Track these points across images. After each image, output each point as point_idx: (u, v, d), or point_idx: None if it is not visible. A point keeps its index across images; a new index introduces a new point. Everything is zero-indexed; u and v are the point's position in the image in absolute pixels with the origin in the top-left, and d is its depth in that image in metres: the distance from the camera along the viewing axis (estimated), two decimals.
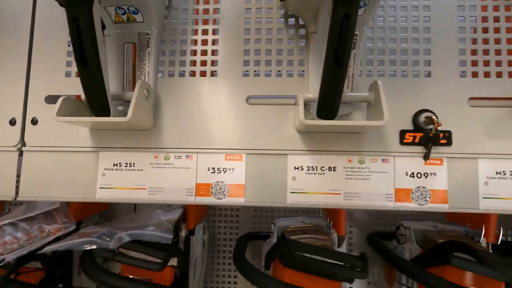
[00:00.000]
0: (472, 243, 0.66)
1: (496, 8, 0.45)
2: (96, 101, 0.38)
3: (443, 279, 0.57)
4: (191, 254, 0.71)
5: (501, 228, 0.65)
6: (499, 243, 0.65)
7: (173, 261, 0.63)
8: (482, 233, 0.65)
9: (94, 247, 0.53)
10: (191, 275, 0.70)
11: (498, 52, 0.44)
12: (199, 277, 0.77)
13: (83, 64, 0.36)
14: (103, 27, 0.43)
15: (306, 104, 0.43)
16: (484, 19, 0.45)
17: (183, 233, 0.70)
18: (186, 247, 0.70)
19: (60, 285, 0.66)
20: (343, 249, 0.59)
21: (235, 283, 0.84)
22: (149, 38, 0.46)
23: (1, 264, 0.55)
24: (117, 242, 0.53)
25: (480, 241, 0.65)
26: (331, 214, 0.65)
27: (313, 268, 0.53)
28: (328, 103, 0.39)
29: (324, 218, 0.73)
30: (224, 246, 0.84)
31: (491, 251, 0.64)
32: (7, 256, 0.55)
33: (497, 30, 0.44)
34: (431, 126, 0.43)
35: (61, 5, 0.34)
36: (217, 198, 0.45)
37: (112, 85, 0.46)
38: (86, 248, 0.53)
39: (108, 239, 0.56)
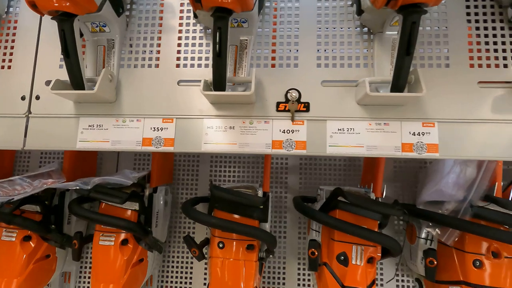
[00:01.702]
0: (361, 195, 0.87)
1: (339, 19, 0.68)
2: (74, 80, 0.61)
3: (331, 216, 0.77)
4: (153, 207, 0.92)
5: (385, 186, 0.86)
6: (383, 196, 0.86)
7: (135, 206, 0.85)
8: (371, 189, 0.86)
9: (78, 187, 0.76)
10: (153, 224, 0.92)
11: (341, 50, 0.67)
12: (162, 229, 0.97)
13: (67, 57, 0.59)
14: (82, 34, 0.67)
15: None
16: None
17: (147, 192, 0.92)
18: (150, 201, 0.92)
19: (53, 226, 0.88)
20: None
21: (193, 233, 1.04)
22: (114, 42, 0.69)
23: (11, 202, 0.77)
24: (92, 184, 0.76)
25: (370, 195, 0.86)
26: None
27: (226, 203, 0.75)
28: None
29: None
30: None
31: None
32: (15, 197, 0.77)
33: (341, 36, 0.67)
34: (295, 99, 0.65)
35: (53, 19, 0.57)
36: (156, 147, 0.67)
37: (89, 72, 0.69)
38: (71, 188, 0.75)
39: (88, 185, 0.78)
